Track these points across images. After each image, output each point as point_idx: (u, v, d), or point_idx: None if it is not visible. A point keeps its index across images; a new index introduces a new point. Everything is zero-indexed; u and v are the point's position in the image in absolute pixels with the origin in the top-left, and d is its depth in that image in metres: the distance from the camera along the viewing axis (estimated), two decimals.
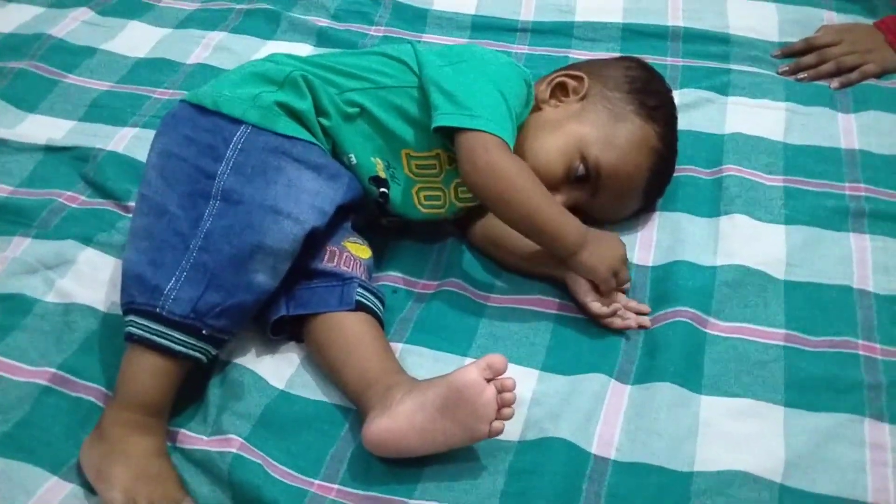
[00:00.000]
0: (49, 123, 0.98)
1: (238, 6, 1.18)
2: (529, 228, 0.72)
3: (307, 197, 0.69)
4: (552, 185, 0.76)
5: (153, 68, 1.06)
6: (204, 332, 0.65)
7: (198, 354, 0.66)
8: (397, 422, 0.61)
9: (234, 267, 0.66)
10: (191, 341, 0.65)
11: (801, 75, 1.04)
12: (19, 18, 1.15)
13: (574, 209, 0.77)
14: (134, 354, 0.65)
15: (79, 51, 1.09)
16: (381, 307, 0.73)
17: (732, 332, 0.73)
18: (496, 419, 0.60)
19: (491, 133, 0.71)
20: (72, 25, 1.13)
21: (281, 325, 0.72)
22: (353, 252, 0.74)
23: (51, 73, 1.05)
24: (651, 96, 0.83)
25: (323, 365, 0.70)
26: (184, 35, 1.12)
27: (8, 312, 0.75)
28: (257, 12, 1.16)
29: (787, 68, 1.05)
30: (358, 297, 0.71)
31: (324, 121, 0.76)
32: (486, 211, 0.78)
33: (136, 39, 1.12)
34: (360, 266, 0.74)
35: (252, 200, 0.68)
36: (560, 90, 0.83)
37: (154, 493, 0.60)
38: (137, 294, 0.66)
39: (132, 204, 0.87)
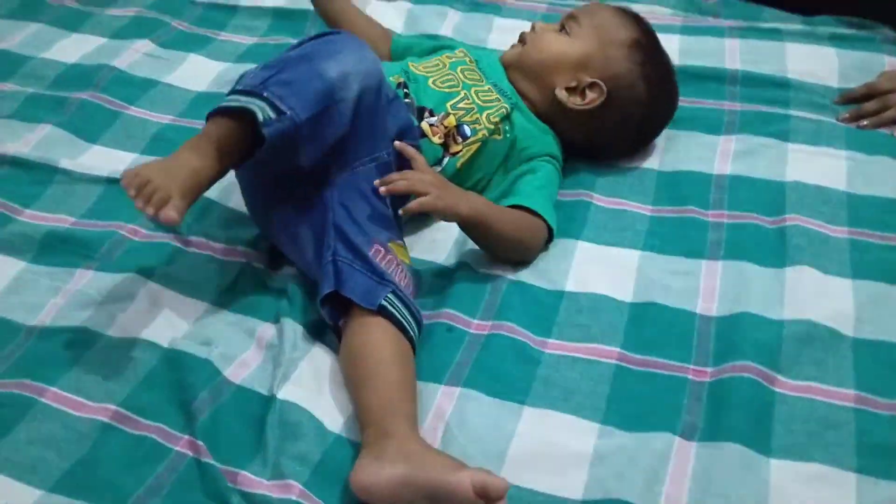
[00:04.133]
0: (111, 155, 0.99)
1: (295, 40, 1.19)
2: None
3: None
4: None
5: (213, 103, 1.07)
6: (265, 94, 0.72)
7: (254, 108, 0.71)
8: (383, 483, 0.63)
9: (305, 61, 0.75)
10: (253, 99, 0.72)
11: (862, 122, 1.02)
12: (82, 49, 1.18)
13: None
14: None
15: (140, 83, 1.11)
16: (414, 324, 0.73)
17: (801, 391, 0.71)
18: None
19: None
20: (133, 57, 1.16)
21: (327, 304, 0.74)
22: (397, 255, 0.77)
23: (113, 104, 1.07)
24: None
25: (344, 379, 0.73)
26: (242, 69, 1.13)
27: (70, 346, 0.76)
28: None
29: (847, 115, 1.04)
30: (384, 303, 0.72)
31: None
32: None
33: (195, 73, 1.14)
34: (404, 272, 0.76)
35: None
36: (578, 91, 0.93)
37: (159, 178, 0.68)
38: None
39: (193, 238, 0.88)
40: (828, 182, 0.93)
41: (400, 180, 0.78)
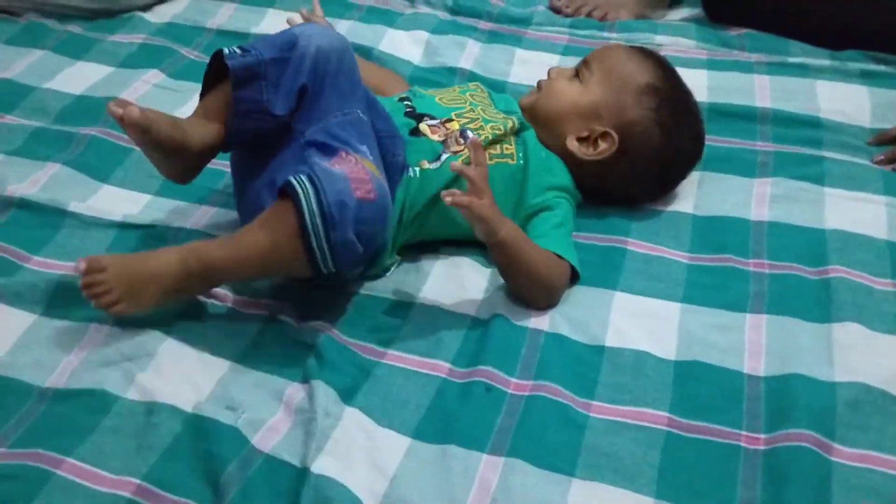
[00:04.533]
0: (124, 196, 0.95)
1: None
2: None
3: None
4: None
5: None
6: (236, 47, 0.82)
7: (224, 49, 0.81)
8: None
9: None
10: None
11: None
12: (89, 79, 1.14)
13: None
14: None
15: None
16: (313, 197, 0.72)
17: (859, 460, 0.68)
18: None
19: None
20: (143, 89, 1.11)
21: None
22: (363, 162, 0.77)
23: (123, 140, 1.02)
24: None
25: None
26: None
27: (87, 411, 0.71)
28: None
29: (882, 157, 1.01)
30: (291, 179, 0.73)
31: None
32: None
33: None
34: (359, 166, 0.76)
35: None
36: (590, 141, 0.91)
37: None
38: None
39: (216, 290, 0.83)
40: (868, 230, 0.90)
41: (464, 196, 0.75)
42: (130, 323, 0.79)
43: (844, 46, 1.20)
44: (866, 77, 1.14)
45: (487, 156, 0.87)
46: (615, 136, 0.89)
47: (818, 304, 0.82)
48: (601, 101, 0.91)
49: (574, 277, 0.85)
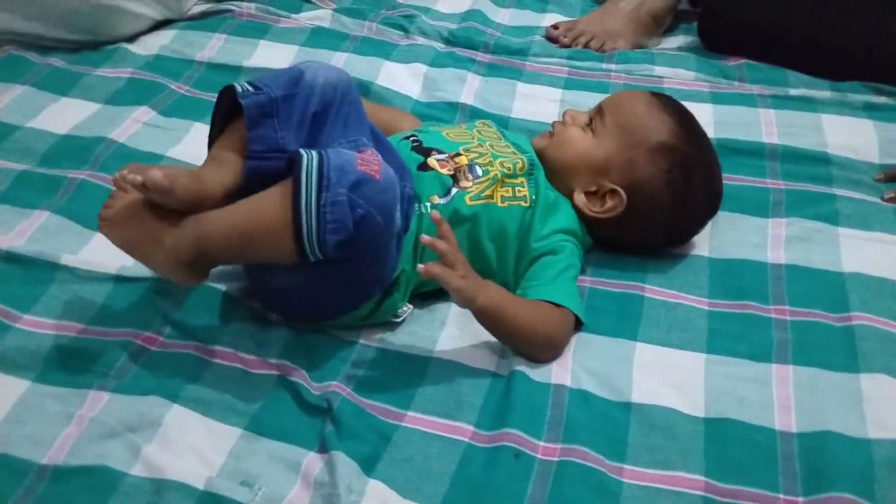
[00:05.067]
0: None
1: None
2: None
3: None
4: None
5: None
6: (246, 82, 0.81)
7: (236, 86, 0.80)
8: None
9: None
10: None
11: None
12: (75, 116, 1.08)
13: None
14: None
15: (143, 158, 1.01)
16: (314, 170, 0.71)
17: None
18: None
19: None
20: (133, 128, 1.06)
21: None
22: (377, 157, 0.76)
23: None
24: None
25: None
26: None
27: (90, 490, 0.66)
28: None
29: (893, 194, 1.00)
30: (301, 150, 0.73)
31: None
32: None
33: (203, 144, 1.04)
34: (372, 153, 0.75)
35: None
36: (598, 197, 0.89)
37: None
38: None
39: (218, 348, 0.79)
40: (887, 273, 0.89)
41: (436, 266, 0.74)
42: (132, 388, 0.74)
43: (841, 74, 1.20)
44: (871, 110, 1.14)
45: (500, 198, 0.85)
46: (623, 195, 0.87)
47: (844, 354, 0.81)
48: (612, 156, 0.88)
49: (578, 323, 0.82)
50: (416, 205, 0.83)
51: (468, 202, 0.84)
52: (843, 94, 1.17)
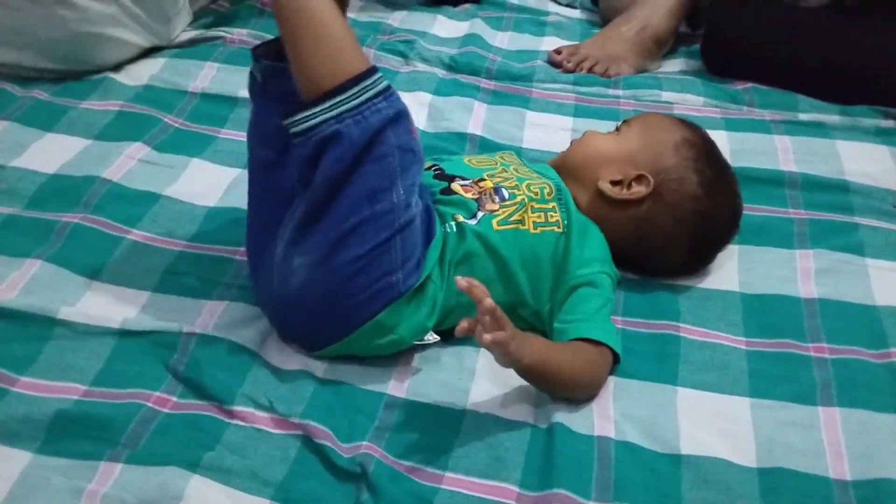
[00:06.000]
0: (118, 295, 0.83)
1: None
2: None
3: None
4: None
5: (230, 220, 0.93)
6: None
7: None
8: None
9: None
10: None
11: None
12: (62, 154, 1.01)
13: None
14: None
15: (139, 198, 0.95)
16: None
17: None
18: None
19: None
20: (128, 165, 1.00)
21: None
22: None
23: (111, 227, 0.91)
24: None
25: None
26: None
27: None
28: None
29: None
30: None
31: None
32: None
33: (202, 181, 0.99)
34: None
35: None
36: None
37: None
38: None
39: (236, 408, 0.73)
40: None
41: (486, 335, 0.68)
42: (146, 458, 0.68)
43: (845, 97, 1.19)
44: (883, 135, 1.13)
45: (532, 224, 0.82)
46: (650, 178, 0.86)
47: (890, 393, 0.78)
48: (637, 148, 0.88)
49: (615, 358, 0.79)
50: (442, 225, 0.80)
51: (496, 227, 0.81)
52: (853, 119, 1.16)
